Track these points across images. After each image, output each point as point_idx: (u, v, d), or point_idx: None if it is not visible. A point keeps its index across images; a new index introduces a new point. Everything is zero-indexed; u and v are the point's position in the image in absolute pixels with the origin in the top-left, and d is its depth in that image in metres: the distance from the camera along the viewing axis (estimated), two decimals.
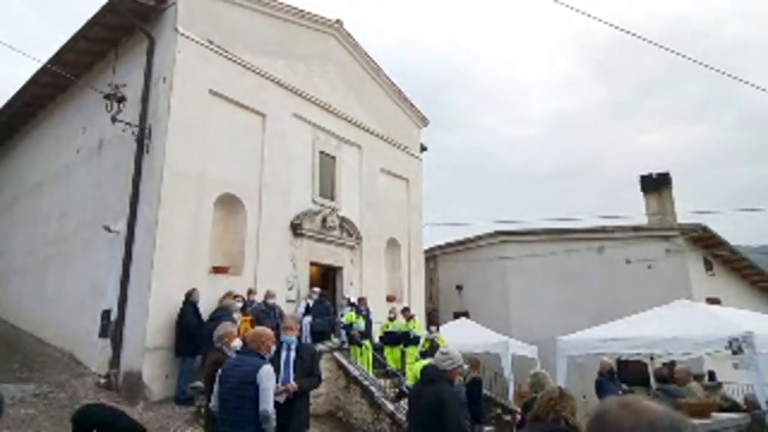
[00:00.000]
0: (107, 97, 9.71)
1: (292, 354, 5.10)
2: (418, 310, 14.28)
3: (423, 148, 16.93)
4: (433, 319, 16.04)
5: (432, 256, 18.55)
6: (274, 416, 4.29)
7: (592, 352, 9.56)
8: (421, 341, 11.60)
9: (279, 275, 11.14)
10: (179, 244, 9.36)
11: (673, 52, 7.82)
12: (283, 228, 11.57)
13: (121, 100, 9.77)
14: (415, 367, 7.80)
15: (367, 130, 14.49)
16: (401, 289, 14.85)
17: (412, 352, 11.03)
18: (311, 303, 10.63)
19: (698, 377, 10.25)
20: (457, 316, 16.56)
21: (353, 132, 14.05)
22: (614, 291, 14.47)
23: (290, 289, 11.27)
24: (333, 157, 13.35)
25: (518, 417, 7.70)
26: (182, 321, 8.73)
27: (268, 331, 4.94)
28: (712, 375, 12.14)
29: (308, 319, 10.32)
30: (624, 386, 9.05)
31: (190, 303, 8.83)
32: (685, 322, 8.68)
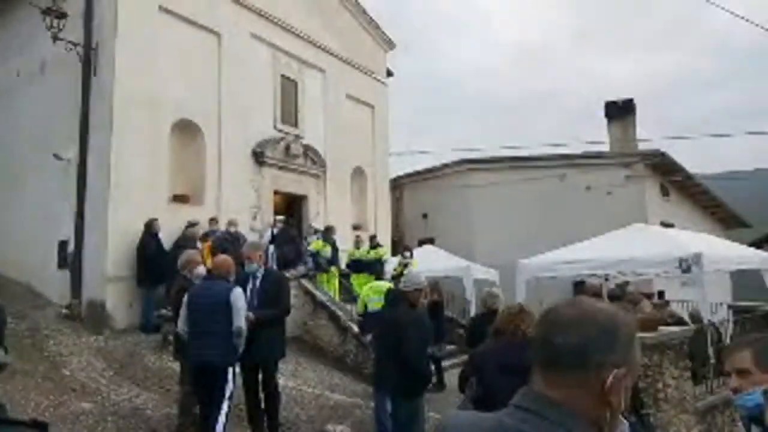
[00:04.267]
0: (45, 12, 8.90)
1: (258, 283, 5.05)
2: (385, 238, 14.43)
3: (389, 73, 16.44)
4: (398, 247, 16.28)
5: (398, 185, 18.55)
6: (246, 332, 4.42)
7: (550, 274, 9.92)
8: (393, 266, 11.78)
9: (242, 204, 10.96)
10: (135, 172, 9.01)
11: None
12: (245, 156, 11.25)
13: (62, 16, 8.98)
14: (364, 290, 7.96)
15: (331, 53, 13.89)
16: (367, 218, 14.90)
17: (361, 278, 10.94)
18: (276, 231, 10.56)
19: (648, 296, 10.88)
20: (422, 243, 16.83)
21: (316, 55, 13.45)
22: (575, 217, 14.84)
23: (254, 218, 11.14)
24: (295, 82, 12.83)
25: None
26: (143, 251, 8.59)
27: (230, 259, 4.91)
28: (661, 294, 12.89)
29: (273, 247, 10.29)
30: None
31: (150, 233, 8.65)
32: (639, 245, 9.02)
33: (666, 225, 14.46)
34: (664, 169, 14.74)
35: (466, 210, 16.83)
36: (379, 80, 15.75)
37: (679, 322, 8.76)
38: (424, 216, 17.87)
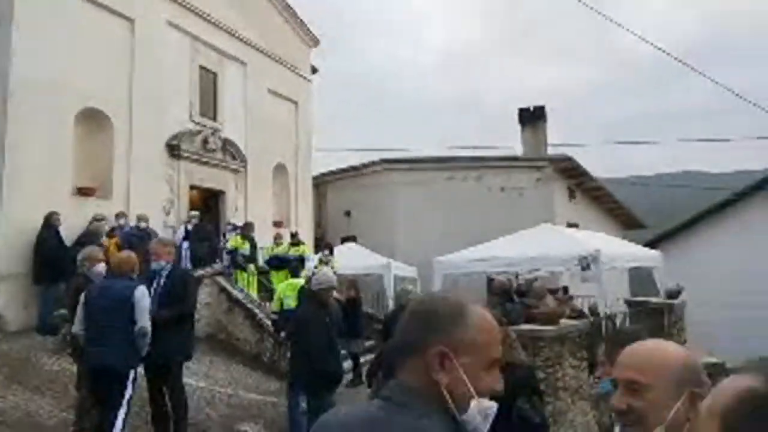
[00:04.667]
0: None
1: (162, 282, 4.86)
2: (307, 235, 14.34)
3: (314, 70, 16.33)
4: (320, 244, 16.25)
5: (322, 182, 18.49)
6: (150, 332, 4.27)
7: (464, 270, 10.35)
8: (314, 264, 11.74)
9: (155, 199, 10.48)
10: (34, 161, 8.38)
11: None
12: (159, 148, 10.76)
13: None
14: (280, 288, 7.92)
15: (253, 47, 13.59)
16: (289, 215, 14.74)
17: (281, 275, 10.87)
18: (190, 228, 10.21)
19: (554, 291, 11.60)
20: (345, 240, 16.91)
21: (237, 47, 13.10)
22: (490, 216, 15.48)
23: (168, 213, 10.70)
24: (214, 74, 12.44)
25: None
26: (41, 246, 7.99)
27: (133, 255, 4.71)
28: (566, 289, 13.78)
29: (186, 244, 9.94)
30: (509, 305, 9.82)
31: (49, 227, 8.07)
32: (545, 243, 9.64)
33: (572, 225, 15.47)
34: (571, 173, 15.74)
35: (388, 208, 17.10)
36: (302, 76, 15.60)
37: (581, 315, 9.45)
38: (347, 214, 17.94)
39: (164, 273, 4.88)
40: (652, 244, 23.98)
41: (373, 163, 17.42)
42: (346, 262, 13.05)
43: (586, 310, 10.32)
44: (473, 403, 0.96)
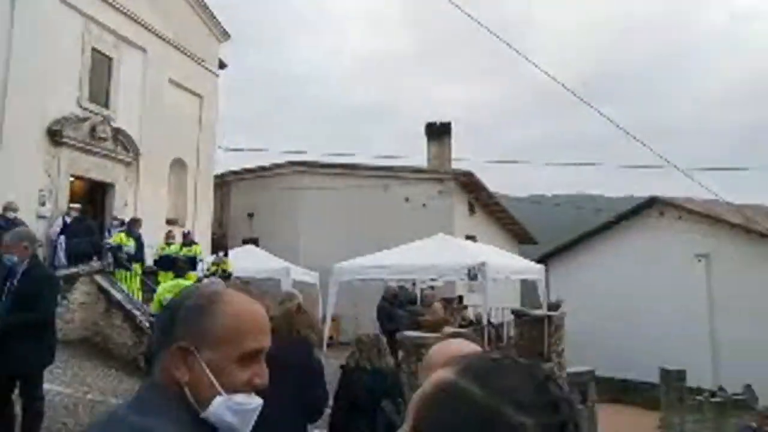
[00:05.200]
0: None
1: (16, 281, 4.40)
2: (204, 235, 13.79)
3: (222, 65, 15.81)
4: (219, 245, 15.69)
5: (226, 181, 17.89)
6: None
7: (361, 277, 10.45)
8: (206, 266, 11.29)
9: (29, 188, 9.58)
10: None
11: (467, 15, 8.30)
12: (38, 133, 9.87)
13: None
14: (159, 289, 7.56)
15: (155, 33, 12.89)
16: (186, 213, 14.09)
17: (168, 276, 10.41)
18: (69, 221, 9.43)
19: (449, 301, 12.05)
20: (246, 242, 16.45)
21: (137, 32, 12.37)
22: (394, 225, 15.76)
23: (43, 204, 9.81)
24: (110, 58, 11.65)
25: None
26: None
27: None
28: (461, 299, 14.34)
29: (63, 238, 9.17)
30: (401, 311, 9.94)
31: None
32: (438, 254, 9.96)
33: (470, 237, 16.14)
34: (471, 188, 16.45)
35: (293, 212, 16.88)
36: (209, 70, 15.04)
37: (471, 324, 9.90)
38: (250, 215, 17.49)
39: (20, 270, 4.44)
40: (542, 260, 25.68)
41: (281, 165, 17.14)
42: (243, 264, 12.70)
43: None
44: (219, 400, 0.93)
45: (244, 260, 13.45)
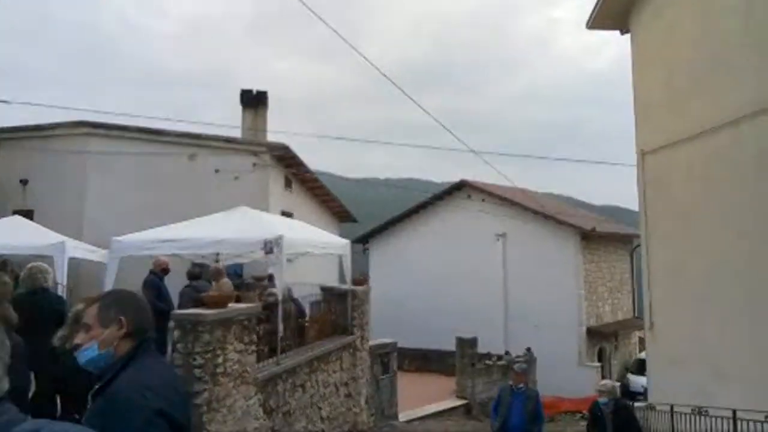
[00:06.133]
0: None
1: None
2: None
3: None
4: None
5: None
6: None
7: (146, 252, 9.29)
8: None
9: None
10: None
11: None
12: None
13: None
14: None
15: None
16: None
17: None
18: None
19: (260, 279, 11.48)
20: (18, 214, 13.87)
21: None
22: (202, 198, 14.54)
23: None
24: None
25: None
26: None
27: None
28: (271, 277, 13.83)
29: None
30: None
31: None
32: (236, 227, 9.27)
33: (286, 214, 15.67)
34: (288, 162, 15.92)
35: (79, 180, 14.67)
36: None
37: (277, 301, 9.44)
38: (23, 182, 14.81)
39: None
40: (364, 238, 26.38)
41: (62, 124, 14.69)
42: (6, 240, 10.67)
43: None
44: None
45: (6, 235, 11.30)
